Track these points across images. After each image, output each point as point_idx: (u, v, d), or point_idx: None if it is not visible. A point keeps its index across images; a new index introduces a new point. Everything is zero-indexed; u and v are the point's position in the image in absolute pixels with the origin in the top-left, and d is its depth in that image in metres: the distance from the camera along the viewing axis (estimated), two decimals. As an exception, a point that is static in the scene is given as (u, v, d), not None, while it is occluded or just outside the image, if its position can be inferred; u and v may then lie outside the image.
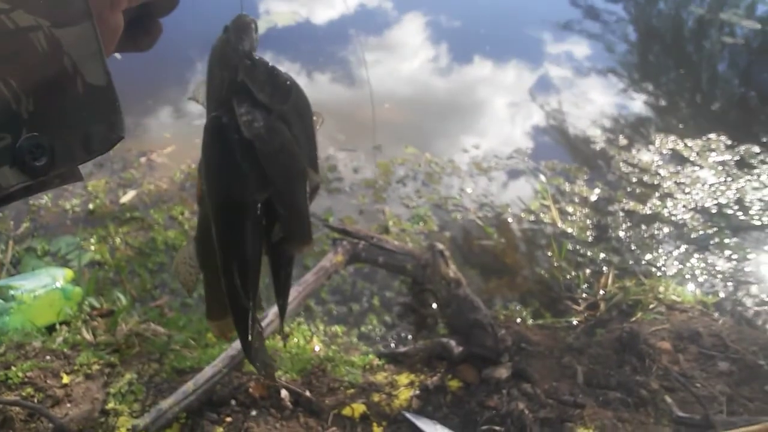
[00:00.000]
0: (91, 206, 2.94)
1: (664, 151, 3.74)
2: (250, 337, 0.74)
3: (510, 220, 3.15)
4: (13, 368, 1.99)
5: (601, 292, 2.69)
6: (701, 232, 3.16)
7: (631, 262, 2.95)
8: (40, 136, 0.46)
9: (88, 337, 2.18)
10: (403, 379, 2.15)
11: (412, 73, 4.58)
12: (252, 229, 0.63)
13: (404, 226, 3.05)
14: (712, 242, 3.09)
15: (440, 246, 2.13)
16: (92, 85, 0.48)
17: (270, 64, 0.60)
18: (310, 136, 0.63)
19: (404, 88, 4.30)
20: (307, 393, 2.01)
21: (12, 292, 2.30)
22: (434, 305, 2.43)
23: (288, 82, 0.61)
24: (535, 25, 5.32)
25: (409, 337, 2.49)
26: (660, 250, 3.04)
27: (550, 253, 2.91)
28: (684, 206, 3.32)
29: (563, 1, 5.82)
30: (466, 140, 3.79)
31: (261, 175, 0.60)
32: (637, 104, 4.36)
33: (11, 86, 0.43)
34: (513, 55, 4.88)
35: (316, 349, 2.32)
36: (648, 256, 2.99)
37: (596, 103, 4.30)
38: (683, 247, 3.06)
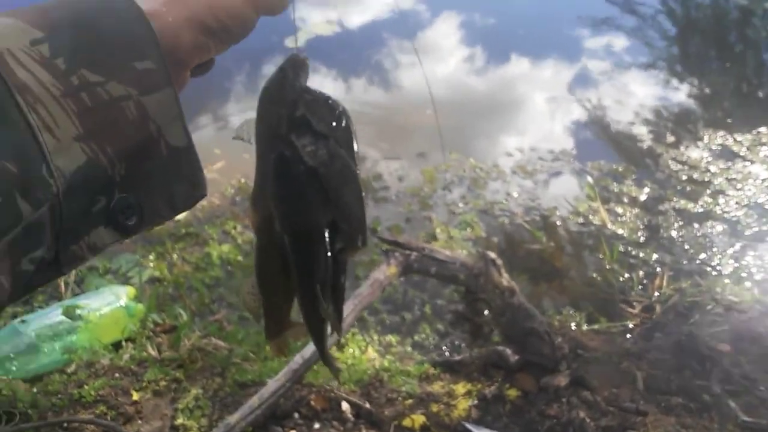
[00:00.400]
0: (147, 224, 3.03)
1: (713, 147, 3.67)
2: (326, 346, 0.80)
3: (558, 222, 3.14)
4: (86, 386, 2.07)
5: (656, 294, 2.66)
6: (756, 229, 3.09)
7: (684, 262, 2.90)
8: (130, 197, 0.49)
9: (154, 353, 2.26)
10: (460, 388, 2.17)
11: (448, 74, 4.59)
12: (323, 248, 0.68)
13: (451, 232, 3.06)
14: (767, 239, 3.02)
15: (492, 255, 2.15)
16: (175, 147, 0.51)
17: (326, 95, 0.65)
18: (352, 149, 0.68)
19: (443, 91, 4.31)
20: (367, 405, 2.05)
21: (78, 311, 2.39)
22: (486, 313, 2.44)
23: (341, 109, 0.65)
24: (571, 22, 5.26)
25: (463, 345, 2.51)
26: (714, 249, 2.99)
27: (601, 256, 2.89)
28: (737, 203, 3.25)
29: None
30: (508, 141, 3.78)
31: (326, 199, 0.65)
32: (681, 97, 4.28)
33: (108, 153, 0.46)
34: (550, 51, 4.84)
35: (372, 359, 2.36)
36: (702, 256, 2.94)
37: (638, 96, 4.24)
38: (738, 245, 3.01)
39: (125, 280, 2.74)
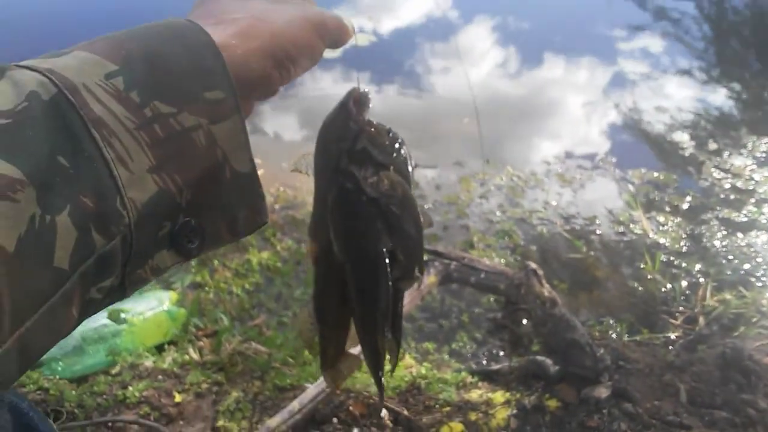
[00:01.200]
0: (188, 230, 3.09)
1: (757, 154, 3.59)
2: (382, 374, 0.80)
3: (598, 231, 3.10)
4: (130, 388, 2.12)
5: (700, 305, 2.61)
6: (802, 239, 3.01)
7: (729, 272, 2.84)
8: (193, 221, 0.50)
9: (195, 356, 2.30)
10: (499, 397, 2.15)
11: (482, 79, 4.57)
12: (385, 277, 0.69)
13: (489, 241, 3.05)
14: (815, 249, 2.95)
15: (533, 265, 2.13)
16: (239, 172, 0.52)
17: (386, 126, 0.67)
18: (409, 177, 0.69)
19: (476, 96, 4.29)
20: (405, 411, 2.05)
21: (123, 315, 2.45)
22: (524, 322, 2.42)
23: (400, 140, 0.67)
24: (605, 25, 5.21)
25: (501, 354, 2.50)
26: (759, 260, 2.92)
27: (642, 266, 2.85)
28: (782, 212, 3.18)
29: (631, 4, 5.67)
30: (545, 146, 3.76)
31: (387, 228, 0.66)
32: (720, 101, 4.20)
33: (176, 182, 0.48)
34: (584, 54, 4.79)
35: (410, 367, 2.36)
36: (746, 266, 2.88)
37: (675, 100, 4.17)
38: (784, 256, 2.93)
39: (168, 285, 2.79)
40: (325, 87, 4.24)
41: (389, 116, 4.32)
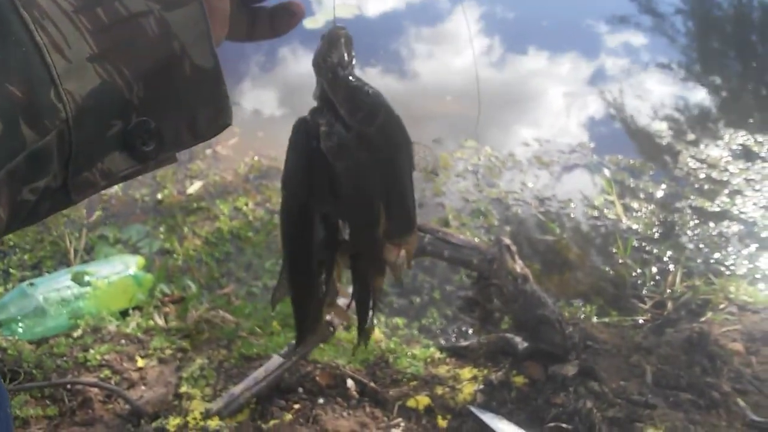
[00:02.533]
0: (159, 196, 3.03)
1: (734, 147, 3.62)
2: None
3: (573, 215, 3.11)
4: (91, 351, 2.07)
5: (669, 290, 2.63)
6: (773, 231, 3.05)
7: (699, 260, 2.87)
8: (149, 121, 0.46)
9: (161, 322, 2.25)
10: (466, 373, 2.15)
11: (466, 65, 4.54)
12: (307, 235, 0.63)
13: (464, 220, 3.04)
14: (784, 241, 2.98)
15: (507, 241, 2.12)
16: (200, 67, 0.47)
17: (355, 81, 0.60)
18: (399, 168, 0.62)
19: (459, 81, 4.27)
20: (372, 384, 2.03)
21: (87, 277, 2.40)
22: (496, 300, 2.41)
23: (374, 104, 0.60)
24: (591, 18, 5.20)
25: (470, 331, 2.49)
26: (729, 249, 2.95)
27: (614, 250, 2.86)
28: (754, 203, 3.21)
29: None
30: (525, 132, 3.75)
31: (328, 188, 0.61)
32: (701, 96, 4.22)
33: (124, 75, 0.43)
34: (569, 46, 4.78)
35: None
36: (717, 255, 2.91)
37: (657, 95, 4.18)
38: (753, 246, 2.96)
39: (135, 251, 2.74)
40: (306, 65, 4.17)
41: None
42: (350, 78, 0.59)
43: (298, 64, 4.22)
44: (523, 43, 4.80)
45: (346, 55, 0.60)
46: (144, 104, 0.45)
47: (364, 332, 0.76)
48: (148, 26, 0.43)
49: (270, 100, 3.94)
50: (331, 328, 1.89)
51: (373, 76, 4.24)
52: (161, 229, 2.85)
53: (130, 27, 0.43)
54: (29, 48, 0.39)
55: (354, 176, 0.59)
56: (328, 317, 0.80)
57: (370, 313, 0.74)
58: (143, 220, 2.91)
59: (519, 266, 2.08)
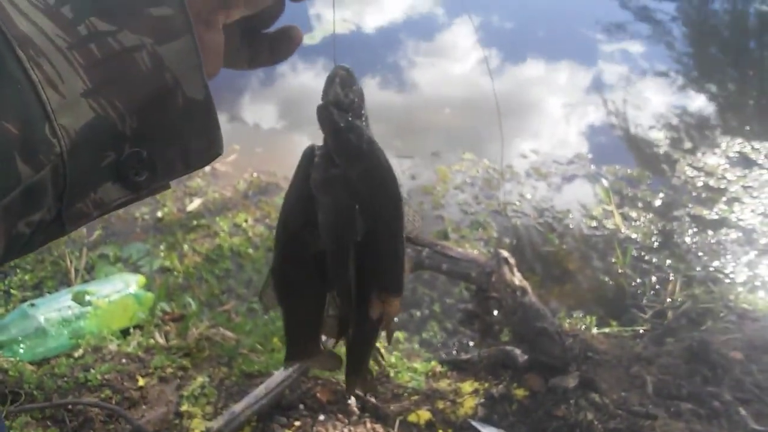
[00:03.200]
0: (159, 214, 3.04)
1: (731, 154, 3.63)
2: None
3: (572, 225, 3.12)
4: (92, 371, 2.07)
5: (668, 300, 2.63)
6: (771, 238, 3.05)
7: (698, 269, 2.87)
8: (141, 152, 0.46)
9: (161, 341, 2.26)
10: (467, 386, 2.15)
11: (464, 75, 4.57)
12: (301, 259, 0.62)
13: (463, 232, 3.05)
14: (783, 248, 2.98)
15: (505, 253, 2.13)
16: (192, 98, 0.47)
17: (342, 123, 0.58)
18: (382, 220, 0.60)
19: (458, 92, 4.29)
20: (373, 399, 2.03)
21: (88, 297, 2.40)
22: (496, 312, 2.42)
23: (359, 149, 0.58)
24: (589, 27, 5.24)
25: (471, 344, 2.49)
26: (728, 257, 2.95)
27: (614, 260, 2.86)
28: (752, 211, 3.21)
29: (613, 3, 5.70)
30: (523, 143, 3.76)
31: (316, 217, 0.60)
32: (698, 104, 4.25)
33: (117, 108, 0.43)
34: (566, 55, 4.81)
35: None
36: (716, 263, 2.91)
37: (654, 102, 4.21)
38: (752, 253, 2.97)
39: (135, 269, 2.74)
40: (305, 79, 4.21)
41: (370, 108, 4.26)
42: (337, 118, 0.58)
43: (297, 79, 4.25)
44: (521, 52, 4.83)
45: (342, 94, 0.59)
46: (137, 135, 0.45)
47: (350, 376, 0.73)
48: (140, 60, 0.44)
49: (269, 115, 3.96)
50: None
51: (372, 89, 4.27)
52: (161, 247, 2.86)
53: (123, 61, 0.43)
54: (24, 85, 0.40)
55: (332, 214, 0.59)
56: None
57: (363, 356, 0.71)
58: (143, 238, 2.92)
59: (517, 278, 2.09)
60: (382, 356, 0.69)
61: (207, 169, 3.35)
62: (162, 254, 2.82)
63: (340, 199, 0.58)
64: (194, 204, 3.12)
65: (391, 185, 0.59)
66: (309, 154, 0.61)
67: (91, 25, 0.42)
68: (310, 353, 0.72)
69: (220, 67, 0.53)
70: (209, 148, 0.51)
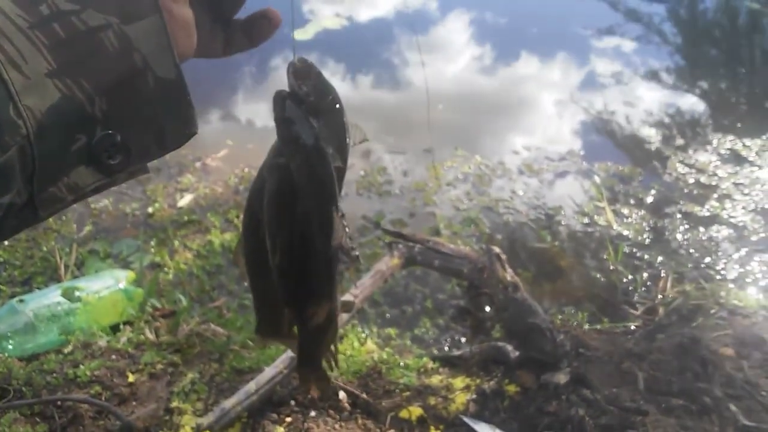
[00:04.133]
0: (150, 210, 3.02)
1: (722, 151, 3.64)
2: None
3: (563, 222, 3.12)
4: (81, 367, 2.06)
5: (660, 296, 2.64)
6: (762, 235, 3.06)
7: (690, 265, 2.88)
8: (115, 134, 0.46)
9: (151, 337, 2.24)
10: (459, 382, 2.14)
11: (457, 72, 4.57)
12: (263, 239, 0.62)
13: (455, 228, 3.04)
14: (773, 245, 3.00)
15: (497, 249, 2.12)
16: (163, 78, 0.47)
17: (288, 114, 0.59)
18: (318, 217, 0.60)
19: (451, 88, 4.29)
20: (364, 395, 2.03)
21: (77, 293, 2.38)
22: (487, 308, 2.42)
23: (298, 142, 0.58)
24: (582, 24, 5.24)
25: (463, 340, 2.49)
26: (719, 253, 2.96)
27: (605, 256, 2.87)
28: (743, 208, 3.22)
29: (603, 5, 5.69)
30: (516, 140, 3.76)
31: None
32: (690, 102, 4.26)
33: (85, 88, 0.43)
34: (559, 52, 4.81)
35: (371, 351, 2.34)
36: (707, 260, 2.92)
37: (646, 100, 4.22)
38: (743, 250, 2.98)
39: (125, 265, 2.73)
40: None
41: (363, 104, 4.32)
42: (285, 109, 0.59)
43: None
44: (515, 49, 4.83)
45: (296, 85, 0.59)
46: (108, 117, 0.45)
47: (302, 368, 0.74)
48: (107, 40, 0.44)
49: (263, 111, 3.95)
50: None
51: (365, 86, 4.26)
52: (152, 243, 2.84)
53: (88, 41, 0.43)
54: None
55: (271, 199, 0.59)
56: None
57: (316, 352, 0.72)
58: (134, 234, 2.90)
59: (509, 275, 2.09)
60: (336, 361, 0.67)
61: (198, 164, 3.34)
62: (152, 250, 2.80)
63: (280, 187, 0.59)
64: (185, 200, 3.10)
65: (325, 187, 0.59)
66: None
67: (53, 4, 0.42)
68: (278, 332, 0.72)
69: (194, 45, 0.53)
70: (184, 128, 0.51)
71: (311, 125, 0.58)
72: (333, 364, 0.74)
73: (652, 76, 4.55)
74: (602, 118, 4.02)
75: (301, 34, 4.50)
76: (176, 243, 2.85)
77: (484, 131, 3.89)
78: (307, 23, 4.76)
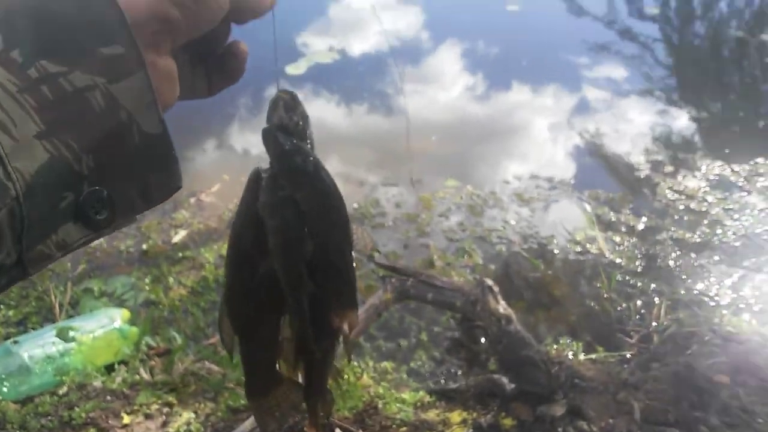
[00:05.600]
0: (144, 247, 3.03)
1: (711, 177, 3.68)
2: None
3: (556, 251, 3.14)
4: (77, 409, 2.05)
5: (654, 324, 2.65)
6: (753, 259, 3.08)
7: (682, 292, 2.89)
8: (101, 190, 0.47)
9: (146, 376, 2.24)
10: (456, 416, 2.14)
11: (450, 101, 4.62)
12: (252, 283, 0.62)
13: (449, 259, 3.06)
14: (765, 269, 3.01)
15: (489, 282, 2.14)
16: (148, 134, 0.48)
17: (287, 146, 0.59)
18: (335, 237, 0.61)
19: (444, 118, 4.34)
20: (361, 431, 2.02)
21: (72, 333, 2.38)
22: (483, 340, 2.42)
23: (305, 170, 0.59)
24: (572, 49, 5.32)
25: (459, 373, 2.49)
26: (712, 279, 2.98)
27: (598, 285, 2.88)
28: (734, 233, 3.25)
29: (598, 24, 5.81)
30: (507, 169, 3.80)
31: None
32: (679, 126, 4.31)
33: (72, 148, 0.44)
34: (551, 79, 4.88)
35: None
36: (700, 286, 2.93)
37: (636, 125, 4.27)
38: (736, 276, 2.99)
39: (120, 303, 2.73)
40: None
41: (356, 135, 4.37)
42: (282, 141, 0.60)
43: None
44: (507, 78, 4.90)
45: (286, 117, 0.60)
46: (94, 173, 0.46)
47: (312, 399, 0.73)
48: (93, 100, 0.45)
49: (260, 142, 3.97)
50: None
51: (359, 116, 4.30)
52: (146, 279, 2.84)
53: (76, 102, 0.44)
54: None
55: (281, 236, 0.59)
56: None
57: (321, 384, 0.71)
58: (128, 271, 2.90)
59: (502, 307, 2.10)
60: (340, 374, 0.68)
61: (192, 200, 3.35)
62: (147, 287, 2.80)
63: (289, 221, 0.59)
64: (179, 236, 3.11)
65: (337, 205, 0.60)
66: (255, 177, 0.62)
67: (41, 68, 0.43)
68: (270, 385, 0.71)
69: (177, 94, 0.54)
70: (168, 182, 0.52)
71: (309, 152, 0.59)
72: (338, 377, 0.74)
73: (642, 101, 4.62)
74: (592, 146, 4.07)
75: (293, 69, 4.55)
76: (171, 280, 2.85)
77: (477, 160, 3.93)
78: (300, 58, 4.82)
